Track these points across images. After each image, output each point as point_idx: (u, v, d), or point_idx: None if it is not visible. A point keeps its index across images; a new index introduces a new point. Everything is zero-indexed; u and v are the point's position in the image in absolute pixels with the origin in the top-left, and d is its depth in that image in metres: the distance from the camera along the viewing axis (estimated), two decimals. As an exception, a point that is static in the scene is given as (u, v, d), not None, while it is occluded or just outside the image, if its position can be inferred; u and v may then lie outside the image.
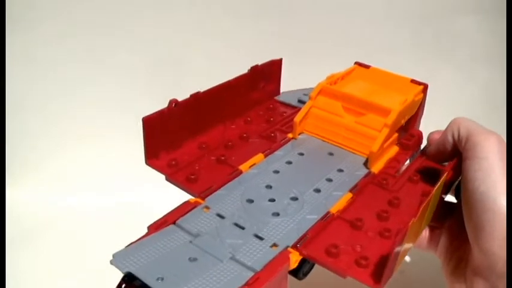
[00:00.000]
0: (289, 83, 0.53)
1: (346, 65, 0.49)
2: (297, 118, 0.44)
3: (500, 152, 0.34)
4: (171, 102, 0.39)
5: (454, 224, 0.40)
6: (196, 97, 0.41)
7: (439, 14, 0.71)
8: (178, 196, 0.37)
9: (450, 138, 0.39)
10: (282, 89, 0.53)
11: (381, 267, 0.30)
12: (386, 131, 0.41)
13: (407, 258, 0.53)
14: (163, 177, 0.38)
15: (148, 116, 0.38)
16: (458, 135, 0.38)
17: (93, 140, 0.70)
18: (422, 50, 0.73)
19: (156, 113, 0.38)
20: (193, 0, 0.69)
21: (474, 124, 0.38)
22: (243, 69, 0.47)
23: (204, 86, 0.42)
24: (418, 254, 0.54)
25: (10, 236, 0.57)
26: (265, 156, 0.41)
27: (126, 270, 0.28)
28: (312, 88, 0.46)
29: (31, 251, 0.58)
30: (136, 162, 0.65)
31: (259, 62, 0.48)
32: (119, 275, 0.29)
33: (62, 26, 0.67)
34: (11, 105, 0.66)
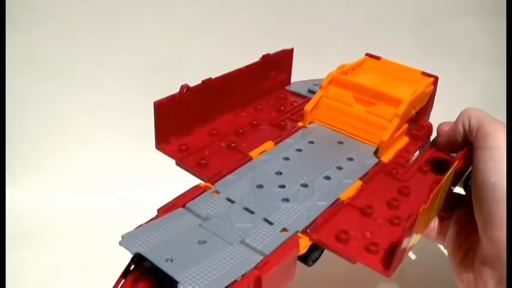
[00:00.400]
0: (300, 73, 0.53)
1: (350, 57, 0.49)
2: (308, 107, 0.44)
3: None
4: (182, 87, 0.39)
5: (462, 215, 0.40)
6: (207, 83, 0.41)
7: (439, 14, 0.71)
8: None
9: (461, 128, 0.39)
10: (292, 79, 0.53)
11: (391, 254, 0.30)
12: (396, 120, 0.41)
13: (409, 256, 0.53)
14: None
15: (159, 100, 0.38)
16: (469, 125, 0.38)
17: (93, 140, 0.70)
18: (422, 50, 0.73)
19: (167, 97, 0.38)
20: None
21: (485, 114, 0.38)
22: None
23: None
24: (418, 254, 0.54)
25: (10, 235, 0.57)
26: (276, 143, 0.41)
27: (135, 250, 0.28)
28: (323, 79, 0.46)
29: (31, 250, 0.58)
30: (136, 162, 0.66)
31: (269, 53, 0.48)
32: (119, 275, 0.29)
33: (62, 27, 0.68)
34: (11, 105, 0.66)
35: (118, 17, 0.68)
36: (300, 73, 0.52)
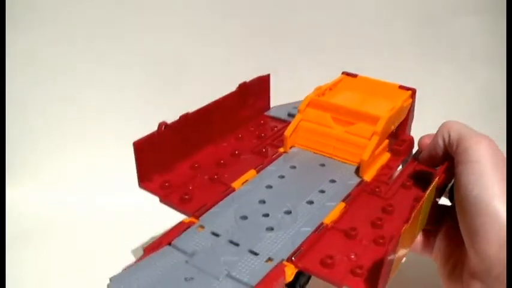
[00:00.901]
0: (281, 93, 0.53)
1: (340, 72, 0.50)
2: (287, 132, 0.44)
3: (492, 156, 0.34)
4: (160, 125, 0.40)
5: (449, 227, 0.40)
6: (185, 118, 0.41)
7: (439, 14, 0.71)
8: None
9: (441, 143, 0.39)
10: (273, 102, 0.53)
11: (376, 275, 0.30)
12: (376, 138, 0.41)
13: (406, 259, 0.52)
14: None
15: (138, 140, 0.38)
16: (449, 139, 0.38)
17: (93, 140, 0.70)
18: (422, 50, 0.73)
19: (146, 136, 0.39)
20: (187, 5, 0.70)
21: (465, 128, 0.38)
22: (235, 79, 0.47)
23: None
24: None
25: (10, 235, 0.58)
26: (258, 172, 0.41)
27: None
28: (302, 101, 0.47)
29: (31, 250, 0.58)
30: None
31: (249, 72, 0.49)
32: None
33: (62, 27, 0.68)
34: (11, 105, 0.67)
35: (118, 17, 0.69)
36: (282, 92, 0.53)
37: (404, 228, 0.29)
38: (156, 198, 0.39)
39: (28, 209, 0.66)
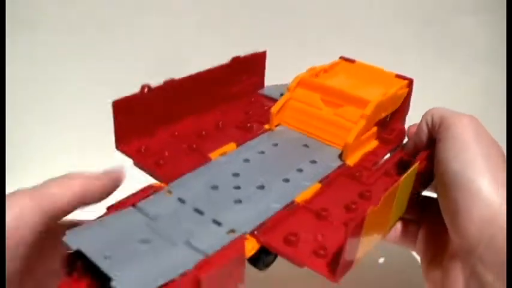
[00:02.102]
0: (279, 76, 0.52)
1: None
2: (274, 109, 0.43)
3: (475, 131, 0.33)
4: (143, 86, 0.39)
5: (432, 217, 0.38)
6: (170, 84, 0.40)
7: (439, 14, 0.71)
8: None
9: (425, 128, 0.37)
10: (267, 83, 0.52)
11: (338, 258, 0.28)
12: (362, 122, 0.40)
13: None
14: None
15: (118, 99, 0.37)
16: (432, 122, 0.37)
17: (94, 140, 0.69)
18: (422, 50, 0.72)
19: (126, 97, 0.38)
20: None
21: (448, 110, 0.37)
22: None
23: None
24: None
25: None
26: (238, 145, 0.40)
27: (76, 247, 0.27)
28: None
29: None
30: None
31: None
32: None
33: (62, 27, 0.68)
34: (11, 105, 0.66)
35: (118, 17, 0.69)
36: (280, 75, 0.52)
37: (370, 209, 0.27)
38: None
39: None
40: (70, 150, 0.69)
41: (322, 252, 0.29)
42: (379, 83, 0.44)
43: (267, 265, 0.32)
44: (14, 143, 0.67)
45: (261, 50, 0.49)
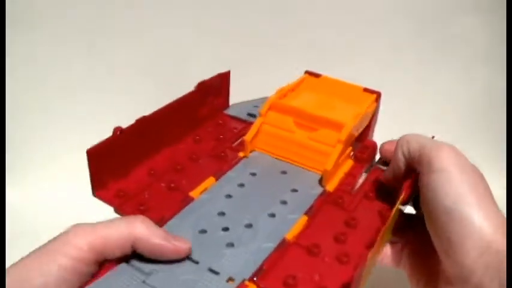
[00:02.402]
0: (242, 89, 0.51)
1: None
2: (248, 137, 0.42)
3: (458, 162, 0.33)
4: (115, 130, 0.38)
5: (417, 236, 0.38)
6: (142, 122, 0.39)
7: (439, 14, 0.71)
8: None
9: (401, 157, 0.37)
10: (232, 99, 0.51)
11: None
12: (340, 147, 0.40)
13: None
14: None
15: (92, 147, 0.36)
16: (409, 151, 0.37)
17: (94, 140, 0.68)
18: (422, 50, 0.73)
19: (100, 143, 0.36)
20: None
21: (424, 138, 0.37)
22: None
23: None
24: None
25: (10, 236, 0.57)
26: (217, 179, 0.40)
27: None
28: (263, 98, 0.45)
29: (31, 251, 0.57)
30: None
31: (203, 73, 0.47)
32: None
33: (62, 27, 0.67)
34: (11, 105, 0.66)
35: (118, 17, 0.68)
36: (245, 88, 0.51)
37: (369, 255, 0.28)
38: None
39: (28, 209, 0.65)
40: (70, 150, 0.68)
41: None
42: (349, 100, 0.45)
43: None
44: (14, 143, 0.67)
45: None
